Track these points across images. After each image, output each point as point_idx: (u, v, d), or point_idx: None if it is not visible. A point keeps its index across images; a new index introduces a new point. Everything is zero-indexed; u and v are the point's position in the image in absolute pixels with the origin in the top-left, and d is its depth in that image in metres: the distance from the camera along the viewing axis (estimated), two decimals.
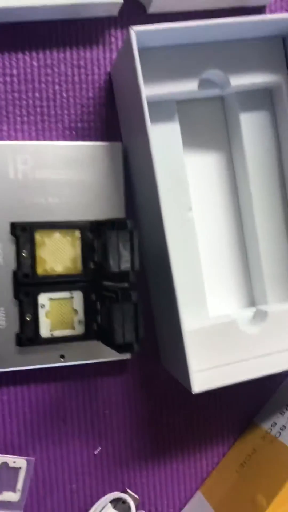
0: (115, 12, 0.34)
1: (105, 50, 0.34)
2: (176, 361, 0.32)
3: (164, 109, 0.33)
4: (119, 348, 0.27)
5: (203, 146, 0.36)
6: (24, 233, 0.31)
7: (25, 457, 0.33)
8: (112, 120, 0.34)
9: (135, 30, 0.28)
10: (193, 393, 0.29)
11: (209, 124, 0.36)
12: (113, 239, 0.27)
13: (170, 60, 0.32)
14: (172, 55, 0.32)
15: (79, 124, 0.34)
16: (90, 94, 0.34)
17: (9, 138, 0.33)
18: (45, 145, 0.32)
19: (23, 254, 0.31)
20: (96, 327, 0.32)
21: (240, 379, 0.31)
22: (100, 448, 0.35)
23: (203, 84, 0.33)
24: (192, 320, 0.33)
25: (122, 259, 0.27)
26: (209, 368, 0.32)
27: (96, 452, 0.35)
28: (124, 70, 0.31)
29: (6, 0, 0.31)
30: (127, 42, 0.28)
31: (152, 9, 0.34)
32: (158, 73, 0.31)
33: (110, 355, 0.33)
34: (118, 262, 0.27)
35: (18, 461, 0.33)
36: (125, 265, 0.27)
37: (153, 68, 0.31)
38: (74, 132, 0.34)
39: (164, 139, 0.33)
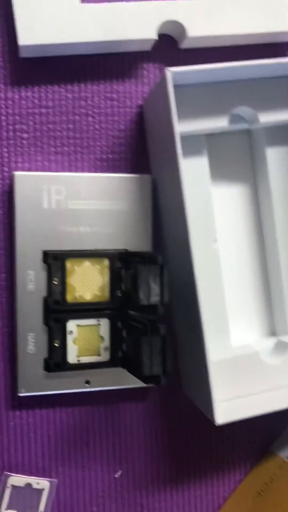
0: (148, 47, 0.35)
1: (137, 83, 0.35)
2: (198, 390, 0.33)
3: (194, 143, 0.34)
4: (146, 380, 0.28)
5: (229, 178, 0.36)
6: (55, 261, 0.32)
7: (48, 479, 0.34)
8: (142, 152, 0.35)
9: (170, 71, 0.29)
10: (216, 425, 0.30)
11: (236, 157, 0.36)
12: (144, 273, 0.28)
13: (202, 97, 0.32)
14: (203, 92, 0.32)
15: (110, 156, 0.35)
16: (122, 126, 0.35)
17: (43, 168, 0.34)
18: (78, 176, 0.33)
19: (54, 281, 0.32)
20: (122, 354, 0.33)
21: (262, 411, 0.31)
22: (121, 471, 0.35)
23: (232, 119, 0.34)
24: (215, 350, 0.33)
25: (152, 293, 0.28)
26: (231, 399, 0.33)
27: (117, 476, 0.35)
28: (157, 105, 0.32)
29: (45, 37, 0.32)
30: (162, 81, 0.29)
31: (185, 45, 0.35)
32: (190, 110, 0.32)
33: (134, 382, 0.33)
34: (148, 296, 0.28)
35: (42, 483, 0.34)
36: (155, 298, 0.28)
37: (185, 105, 0.32)
38: (105, 164, 0.35)
39: (192, 172, 0.34)
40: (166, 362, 0.28)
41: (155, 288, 0.28)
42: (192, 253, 0.29)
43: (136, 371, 0.30)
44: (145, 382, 0.28)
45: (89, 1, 0.34)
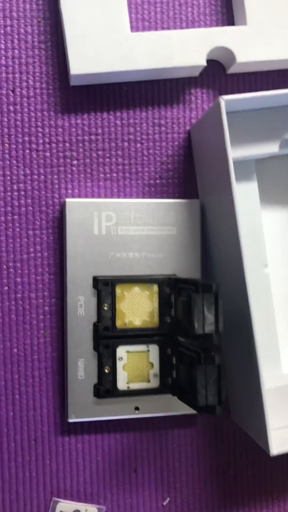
0: (196, 73, 0.35)
1: (185, 109, 0.36)
2: (250, 418, 0.32)
3: (244, 167, 0.34)
4: (201, 410, 0.28)
5: (278, 201, 0.36)
6: (105, 287, 0.32)
7: (97, 505, 0.34)
8: (190, 177, 0.35)
9: (224, 99, 0.29)
10: (270, 455, 0.29)
11: (285, 180, 0.36)
12: (198, 301, 0.27)
13: (253, 123, 0.32)
14: (254, 118, 0.32)
15: (158, 181, 0.35)
16: (169, 152, 0.35)
17: (93, 194, 0.34)
18: (127, 202, 0.33)
19: (104, 307, 0.32)
20: (171, 381, 0.33)
21: None
22: (169, 499, 0.35)
23: (282, 143, 0.34)
24: (266, 377, 0.33)
25: (207, 322, 0.27)
26: (284, 427, 0.32)
27: (165, 504, 0.35)
28: (207, 131, 0.32)
29: (95, 66, 0.33)
30: (215, 109, 0.29)
31: (232, 70, 0.35)
32: (240, 135, 0.32)
33: (183, 409, 0.33)
34: (202, 325, 0.27)
35: (90, 509, 0.34)
36: (209, 328, 0.27)
37: (236, 131, 0.32)
38: (153, 189, 0.35)
39: (242, 197, 0.34)
40: (221, 391, 0.28)
41: (209, 317, 0.27)
42: (246, 279, 0.29)
43: (189, 400, 0.29)
44: (199, 412, 0.28)
45: (139, 29, 0.35)
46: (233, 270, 0.31)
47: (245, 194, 0.34)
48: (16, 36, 0.34)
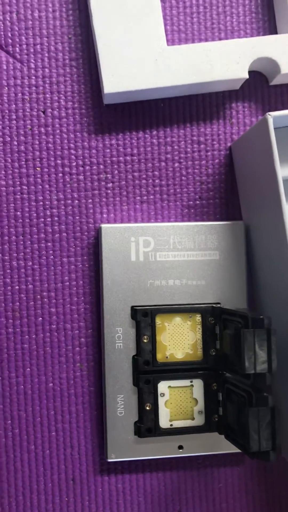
0: (237, 86, 0.33)
1: (226, 124, 0.33)
2: None
3: None
4: (253, 456, 0.25)
5: None
6: (145, 318, 0.30)
7: None
8: (232, 197, 0.33)
9: (272, 116, 0.26)
10: None
11: None
12: (249, 338, 0.25)
13: None
14: None
15: (198, 202, 0.33)
16: (210, 171, 0.33)
17: (129, 218, 0.32)
18: (166, 226, 0.31)
19: (144, 339, 0.30)
20: (217, 418, 0.30)
21: None
22: None
23: None
24: None
25: (258, 360, 0.25)
26: None
27: None
28: (252, 149, 0.30)
29: (131, 83, 0.31)
30: (261, 126, 0.27)
31: (276, 81, 0.33)
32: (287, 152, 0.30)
33: (229, 448, 0.31)
34: (254, 364, 0.25)
35: None
36: (262, 367, 0.25)
37: (284, 147, 0.30)
38: (192, 211, 0.33)
39: None
40: (275, 435, 0.25)
41: (262, 355, 0.25)
42: None
43: (239, 443, 0.27)
44: (251, 458, 0.26)
45: (175, 42, 0.33)
46: (284, 298, 0.28)
47: None
48: (46, 55, 0.32)
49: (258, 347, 0.25)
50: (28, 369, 0.32)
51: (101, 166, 0.32)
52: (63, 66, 0.32)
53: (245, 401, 0.26)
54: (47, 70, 0.32)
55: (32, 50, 0.32)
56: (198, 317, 0.31)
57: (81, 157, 0.32)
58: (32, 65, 0.32)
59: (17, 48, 0.32)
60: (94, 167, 0.32)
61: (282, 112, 0.27)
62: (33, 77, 0.32)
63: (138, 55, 0.31)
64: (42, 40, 0.32)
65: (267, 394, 0.25)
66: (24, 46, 0.32)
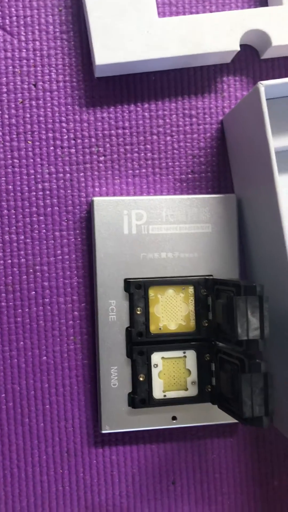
0: (228, 59, 0.33)
1: (217, 98, 0.33)
2: None
3: (284, 158, 0.31)
4: (247, 422, 0.26)
5: None
6: (138, 290, 0.31)
7: None
8: (224, 170, 0.33)
9: (264, 85, 0.26)
10: None
11: None
12: (241, 305, 0.25)
13: None
14: None
15: (190, 176, 0.33)
16: (202, 144, 0.33)
17: (121, 192, 0.32)
18: (159, 199, 0.31)
19: (137, 311, 0.31)
20: (211, 389, 0.31)
21: None
22: None
23: None
24: None
25: (251, 327, 0.25)
26: None
27: None
28: (244, 121, 0.30)
29: (122, 55, 0.31)
30: (253, 96, 0.27)
31: (267, 55, 0.33)
32: (280, 124, 0.30)
33: (223, 418, 0.31)
34: (246, 330, 0.25)
35: None
36: (255, 333, 0.25)
37: (276, 118, 0.30)
38: (185, 184, 0.33)
39: (285, 190, 0.31)
40: (268, 401, 0.25)
41: (254, 321, 0.25)
42: None
43: (232, 410, 0.27)
44: (244, 424, 0.26)
45: (166, 14, 0.33)
46: (276, 269, 0.28)
47: (287, 187, 0.31)
48: (37, 27, 0.32)
49: (250, 314, 0.25)
50: (22, 342, 0.32)
51: (93, 139, 0.32)
52: (54, 39, 0.32)
53: (238, 369, 0.27)
54: (38, 43, 0.32)
55: (22, 22, 0.32)
56: (190, 289, 0.31)
57: (73, 130, 0.32)
58: (23, 38, 0.32)
59: (7, 21, 0.32)
60: (86, 140, 0.32)
61: (274, 81, 0.27)
62: (24, 50, 0.32)
63: (129, 27, 0.31)
64: (33, 13, 0.32)
65: (260, 360, 0.26)
66: (14, 19, 0.32)
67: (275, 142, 0.30)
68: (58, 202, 0.32)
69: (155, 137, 0.33)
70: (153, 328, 0.31)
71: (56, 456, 0.32)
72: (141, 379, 0.30)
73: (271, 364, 0.32)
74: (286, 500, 0.34)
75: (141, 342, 0.31)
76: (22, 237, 0.32)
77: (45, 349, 0.32)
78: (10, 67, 0.32)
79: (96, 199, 0.31)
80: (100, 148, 0.32)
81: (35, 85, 0.32)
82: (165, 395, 0.31)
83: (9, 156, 0.32)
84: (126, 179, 0.33)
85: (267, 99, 0.28)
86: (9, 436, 0.32)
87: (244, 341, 0.25)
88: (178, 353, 0.31)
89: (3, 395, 0.31)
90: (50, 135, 0.32)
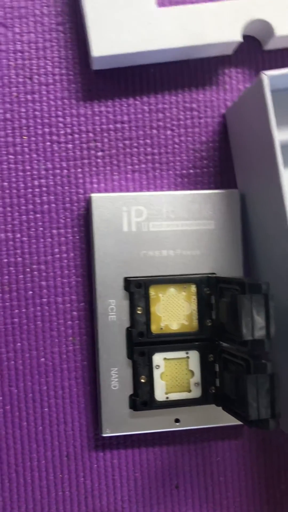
0: (230, 51, 0.32)
1: (219, 90, 0.32)
2: None
3: None
4: (252, 424, 0.25)
5: None
6: (138, 289, 0.30)
7: None
8: (227, 165, 0.32)
9: (267, 75, 0.25)
10: None
11: None
12: (246, 303, 0.24)
13: None
14: None
15: (191, 171, 0.32)
16: (203, 138, 0.32)
17: (120, 188, 0.31)
18: (159, 195, 0.30)
19: (138, 311, 0.30)
20: (214, 390, 0.30)
21: None
22: None
23: None
24: None
25: (256, 326, 0.24)
26: None
27: None
28: (247, 113, 0.29)
29: (120, 47, 0.30)
30: (256, 87, 0.26)
31: (270, 46, 0.32)
32: (286, 116, 0.29)
33: (228, 420, 0.30)
34: (251, 330, 0.24)
35: None
36: (260, 333, 0.24)
37: (281, 111, 0.29)
38: (186, 180, 0.32)
39: None
40: (274, 403, 0.25)
41: (259, 321, 0.24)
42: None
43: (238, 413, 0.26)
44: (250, 427, 0.25)
45: (166, 4, 0.32)
46: (281, 266, 0.27)
47: None
48: (32, 19, 0.31)
49: (255, 313, 0.24)
50: (19, 344, 0.31)
51: (91, 134, 0.31)
52: (50, 30, 0.31)
53: (243, 370, 0.26)
54: (32, 35, 0.31)
55: (16, 14, 0.31)
56: (193, 288, 0.30)
57: (70, 125, 0.31)
58: (17, 30, 0.31)
59: (0, 12, 0.31)
60: (83, 135, 0.31)
61: (278, 71, 0.26)
62: (19, 42, 0.31)
63: (127, 17, 0.30)
64: (27, 4, 0.31)
65: (265, 361, 0.25)
66: (8, 10, 0.31)
67: (280, 135, 0.28)
68: (55, 199, 0.31)
69: (155, 131, 0.32)
70: (154, 328, 0.30)
71: (55, 460, 0.31)
72: (142, 380, 0.30)
73: (278, 364, 0.31)
74: None
75: (142, 342, 0.30)
76: (19, 235, 0.31)
77: (43, 351, 0.31)
78: (5, 60, 0.31)
79: (94, 195, 0.30)
80: (98, 143, 0.31)
81: (30, 79, 0.31)
82: (167, 397, 0.30)
83: (4, 152, 0.31)
84: (125, 175, 0.32)
85: (271, 91, 0.28)
86: (7, 441, 0.31)
87: (249, 341, 0.25)
88: (181, 354, 0.30)
89: (1, 398, 0.31)
90: (47, 130, 0.31)
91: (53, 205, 0.31)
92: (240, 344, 0.26)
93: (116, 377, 0.30)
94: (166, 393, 0.30)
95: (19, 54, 0.31)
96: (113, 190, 0.31)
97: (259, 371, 0.25)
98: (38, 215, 0.31)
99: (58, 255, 0.31)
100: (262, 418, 0.24)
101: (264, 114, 0.26)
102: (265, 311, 0.24)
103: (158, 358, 0.30)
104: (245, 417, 0.25)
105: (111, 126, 0.32)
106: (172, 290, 0.30)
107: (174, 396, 0.30)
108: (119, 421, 0.30)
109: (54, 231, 0.31)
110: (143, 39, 0.30)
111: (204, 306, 0.30)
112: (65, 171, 0.31)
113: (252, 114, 0.28)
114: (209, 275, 0.30)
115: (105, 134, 0.31)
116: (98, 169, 0.31)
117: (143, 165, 0.32)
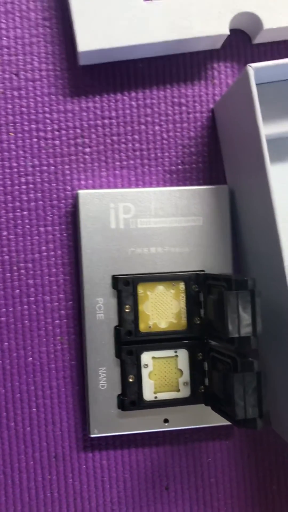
0: (218, 44, 0.31)
1: (207, 85, 0.32)
2: None
3: (277, 146, 0.30)
4: (240, 424, 0.24)
5: None
6: (126, 287, 0.29)
7: None
8: (216, 160, 0.32)
9: (253, 68, 0.25)
10: None
11: None
12: (232, 300, 0.24)
13: (285, 95, 0.29)
14: (287, 89, 0.29)
15: (180, 167, 0.32)
16: (192, 134, 0.32)
17: (108, 185, 0.31)
18: (147, 192, 0.30)
19: (126, 309, 0.29)
20: (204, 389, 0.29)
21: None
22: None
23: None
24: None
25: (242, 323, 0.24)
26: None
27: None
28: (234, 108, 0.28)
29: (106, 41, 0.29)
30: (242, 80, 0.26)
31: (259, 39, 0.31)
32: (272, 110, 0.28)
33: (217, 420, 0.29)
34: (237, 327, 0.24)
35: None
36: (246, 330, 0.24)
37: (268, 105, 0.28)
38: (175, 176, 0.31)
39: (278, 179, 0.30)
40: (262, 402, 0.24)
41: (246, 317, 0.24)
42: (286, 273, 0.25)
43: (225, 412, 0.26)
44: (238, 426, 0.24)
45: None
46: (270, 263, 0.27)
47: (281, 176, 0.30)
48: (18, 14, 0.31)
49: (241, 310, 0.24)
50: (6, 343, 0.30)
51: (78, 130, 0.31)
52: (36, 26, 0.31)
53: (230, 368, 0.25)
54: (18, 30, 0.31)
55: (2, 9, 0.31)
56: (181, 285, 0.30)
57: (57, 121, 0.31)
58: (3, 26, 0.31)
59: None
60: (71, 131, 0.31)
61: (264, 64, 0.25)
62: (5, 38, 0.31)
63: (113, 11, 0.29)
64: None
65: (252, 359, 0.24)
66: None
67: (267, 130, 0.28)
68: (42, 196, 0.31)
69: (143, 127, 0.31)
70: (142, 327, 0.29)
71: (43, 461, 0.31)
72: (130, 380, 0.29)
73: (267, 363, 0.31)
74: (285, 505, 0.32)
75: (130, 341, 0.29)
76: (5, 233, 0.30)
77: (31, 350, 0.30)
78: None
79: (82, 192, 0.30)
80: (85, 140, 0.31)
81: (17, 75, 0.31)
82: (156, 397, 0.29)
83: None
84: (113, 171, 0.31)
85: (258, 84, 0.27)
86: None
87: (235, 338, 0.24)
88: (169, 353, 0.30)
89: None
90: (33, 126, 0.31)
91: (40, 202, 0.31)
92: (227, 341, 0.25)
93: (104, 376, 0.29)
94: (155, 393, 0.29)
95: (5, 49, 0.31)
96: (101, 187, 0.31)
97: (246, 369, 0.24)
98: (25, 213, 0.31)
99: (45, 253, 0.31)
100: (249, 417, 0.24)
101: (251, 107, 0.25)
102: (252, 308, 0.24)
103: (146, 357, 0.29)
104: (232, 416, 0.24)
105: (98, 122, 0.31)
106: (160, 288, 0.30)
107: (162, 396, 0.29)
108: (107, 421, 0.29)
109: (42, 229, 0.31)
110: (130, 33, 0.29)
111: (192, 304, 0.30)
112: (53, 167, 0.31)
113: (239, 108, 0.27)
114: (198, 272, 0.30)
115: (93, 130, 0.31)
116: (85, 165, 0.31)
117: (131, 161, 0.31)
